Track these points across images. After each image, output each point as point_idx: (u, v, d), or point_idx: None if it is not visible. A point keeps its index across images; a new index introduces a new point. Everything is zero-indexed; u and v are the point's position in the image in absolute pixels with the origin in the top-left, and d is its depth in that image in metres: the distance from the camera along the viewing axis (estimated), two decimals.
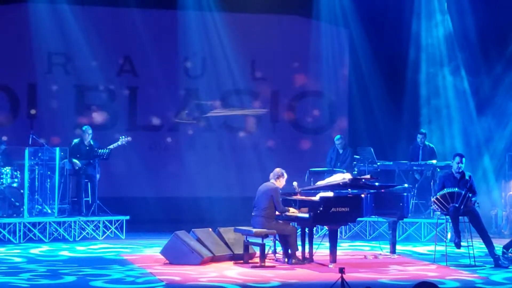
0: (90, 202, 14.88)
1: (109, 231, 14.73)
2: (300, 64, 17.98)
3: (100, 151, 14.82)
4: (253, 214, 11.71)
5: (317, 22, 17.93)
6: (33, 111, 15.81)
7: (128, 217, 14.87)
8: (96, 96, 17.12)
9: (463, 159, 12.18)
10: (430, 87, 17.59)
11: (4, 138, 14.97)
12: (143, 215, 15.93)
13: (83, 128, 15.11)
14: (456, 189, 11.83)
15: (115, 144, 14.99)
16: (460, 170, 12.11)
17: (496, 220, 15.95)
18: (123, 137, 15.17)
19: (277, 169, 11.85)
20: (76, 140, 15.00)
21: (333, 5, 17.82)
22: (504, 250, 12.13)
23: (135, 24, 17.00)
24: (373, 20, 17.50)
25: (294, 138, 18.00)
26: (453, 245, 12.04)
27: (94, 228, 14.66)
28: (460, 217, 11.94)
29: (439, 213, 12.26)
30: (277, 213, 11.65)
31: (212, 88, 17.59)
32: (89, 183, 14.92)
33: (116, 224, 14.81)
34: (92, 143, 14.95)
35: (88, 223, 14.63)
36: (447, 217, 12.27)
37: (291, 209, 11.68)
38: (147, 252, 12.92)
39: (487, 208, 15.52)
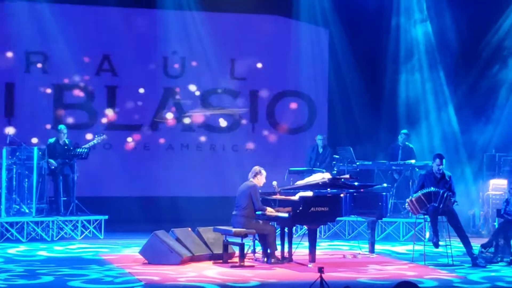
0: (68, 201, 14.78)
1: (88, 230, 14.67)
2: (280, 63, 17.97)
3: (78, 150, 14.76)
4: (233, 213, 11.70)
5: (297, 22, 17.95)
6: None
7: (106, 217, 14.81)
8: (75, 95, 17.03)
9: (443, 160, 12.22)
10: (409, 87, 17.65)
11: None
12: (122, 214, 15.85)
13: (59, 128, 15.04)
14: (432, 188, 11.89)
15: (91, 143, 14.95)
16: (441, 172, 12.16)
17: (474, 220, 16.04)
18: (99, 135, 15.13)
19: (255, 167, 11.86)
20: (51, 140, 14.92)
21: (313, 5, 17.84)
22: (482, 250, 12.21)
23: (114, 22, 16.94)
24: (353, 20, 17.56)
25: (273, 138, 18.00)
26: (431, 244, 12.09)
27: (72, 228, 14.59)
28: (438, 217, 12.00)
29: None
30: (257, 212, 11.64)
31: (191, 87, 17.54)
32: (65, 183, 14.82)
33: (95, 224, 14.74)
34: (67, 142, 14.87)
35: (66, 222, 14.55)
36: (426, 216, 12.33)
37: (269, 209, 11.68)
38: (126, 252, 12.87)
39: (465, 208, 15.60)
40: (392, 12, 17.69)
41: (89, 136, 16.25)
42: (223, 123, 17.75)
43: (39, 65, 16.77)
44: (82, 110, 17.01)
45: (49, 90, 16.86)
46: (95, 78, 17.07)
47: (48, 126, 16.65)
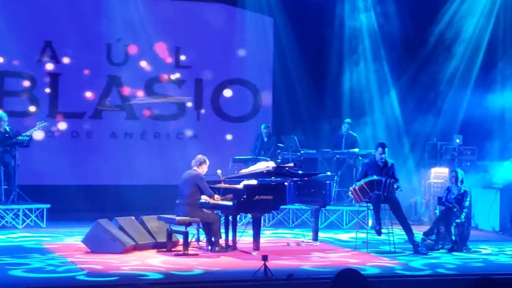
0: (9, 190, 14.57)
1: (29, 219, 14.49)
2: (225, 52, 17.93)
3: (20, 138, 14.55)
4: (177, 202, 11.67)
5: (242, 10, 17.92)
6: None
7: (49, 206, 14.65)
8: (16, 82, 16.75)
9: (386, 149, 12.34)
10: (353, 76, 17.78)
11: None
12: (65, 203, 15.66)
13: None
14: (375, 176, 12.01)
15: (32, 130, 14.74)
16: (383, 160, 12.28)
17: (416, 208, 16.26)
18: (40, 122, 14.94)
19: (199, 156, 11.83)
20: None
21: None
22: (424, 237, 12.39)
23: (57, 9, 16.70)
24: (298, 9, 17.59)
25: (218, 126, 17.97)
26: (374, 232, 12.23)
27: (13, 217, 14.41)
28: (381, 205, 12.14)
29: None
30: (202, 200, 11.63)
31: (135, 75, 17.40)
32: (6, 171, 14.60)
33: (37, 213, 14.58)
34: (8, 129, 14.64)
35: (7, 211, 14.35)
36: (369, 204, 12.46)
37: (217, 196, 11.68)
38: (68, 241, 12.75)
39: (407, 196, 15.80)
40: (337, 1, 17.78)
41: (30, 123, 16.01)
42: (167, 111, 17.65)
43: None
44: (24, 98, 16.75)
45: None
46: (37, 65, 16.82)
47: None
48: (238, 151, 16.19)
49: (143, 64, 17.42)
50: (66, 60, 16.95)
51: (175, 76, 17.71)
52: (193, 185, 11.53)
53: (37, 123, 14.93)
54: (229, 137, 17.90)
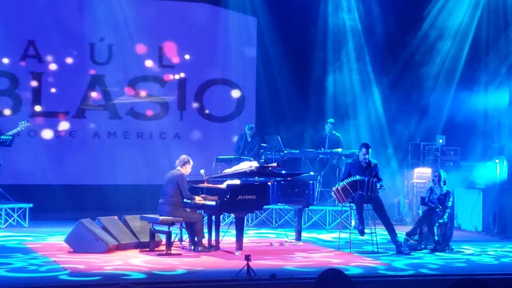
0: None
1: (12, 219, 14.41)
2: (208, 52, 17.91)
3: (2, 137, 14.47)
4: (160, 201, 11.65)
5: (225, 10, 17.92)
6: None
7: (31, 205, 14.58)
8: None
9: (370, 150, 12.35)
10: (337, 77, 17.80)
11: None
12: (47, 203, 15.62)
13: None
14: (358, 176, 12.04)
15: (14, 130, 14.64)
16: (367, 161, 12.30)
17: (399, 208, 16.31)
18: (23, 122, 14.86)
19: (183, 156, 11.82)
20: None
21: None
22: (407, 237, 12.42)
23: (40, 7, 16.63)
24: (282, 8, 17.62)
25: (201, 126, 17.94)
26: (357, 232, 12.25)
27: None
28: (364, 205, 12.16)
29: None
30: (184, 200, 11.62)
31: (119, 74, 17.35)
32: None
33: (19, 212, 14.50)
34: None
35: None
36: (352, 205, 12.47)
37: (197, 197, 11.67)
38: (51, 241, 12.70)
39: (390, 196, 15.85)
40: (320, 1, 17.80)
41: (12, 122, 15.93)
42: (150, 110, 17.60)
43: None
44: (6, 97, 16.65)
45: None
46: (19, 64, 16.72)
47: None
48: (221, 151, 16.18)
49: (126, 63, 17.35)
50: (49, 58, 16.87)
51: (158, 75, 17.66)
52: (175, 185, 11.51)
53: (20, 123, 14.84)
54: (212, 135, 17.88)
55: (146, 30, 17.25)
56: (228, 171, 12.62)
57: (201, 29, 17.80)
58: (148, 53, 17.48)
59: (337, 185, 12.30)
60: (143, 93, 17.52)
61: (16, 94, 16.72)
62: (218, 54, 18.00)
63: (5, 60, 16.52)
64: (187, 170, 11.73)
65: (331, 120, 16.52)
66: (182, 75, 17.83)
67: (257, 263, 10.06)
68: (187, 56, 17.74)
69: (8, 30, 16.41)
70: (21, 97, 16.74)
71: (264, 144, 15.97)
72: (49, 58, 16.88)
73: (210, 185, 12.02)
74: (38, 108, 16.82)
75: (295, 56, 17.80)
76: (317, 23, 17.82)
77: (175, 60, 17.72)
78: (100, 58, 17.28)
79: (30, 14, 16.65)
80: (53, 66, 16.89)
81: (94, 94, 17.16)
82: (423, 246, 12.35)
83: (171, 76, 17.76)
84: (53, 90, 16.89)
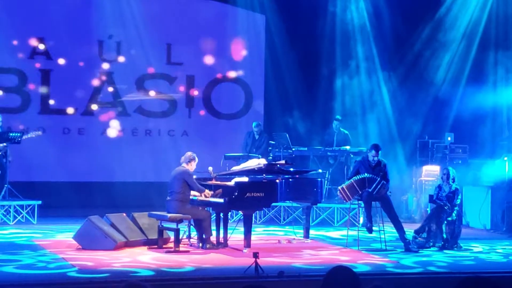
0: (0, 186, 14.52)
1: (20, 216, 14.46)
2: (216, 49, 17.91)
3: (11, 134, 14.51)
4: (168, 198, 11.67)
5: (233, 7, 17.91)
6: None
7: (40, 202, 14.61)
8: (8, 78, 16.69)
9: (379, 152, 12.31)
10: (345, 74, 17.78)
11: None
12: (56, 200, 15.67)
13: None
14: (366, 174, 12.02)
15: (24, 136, 14.68)
16: (376, 161, 12.27)
17: (407, 205, 16.28)
18: (34, 131, 14.92)
19: (189, 153, 11.82)
20: None
21: None
22: (415, 235, 12.40)
23: (49, 5, 16.66)
24: (290, 5, 17.59)
25: (209, 123, 17.95)
26: (365, 229, 12.24)
27: (4, 213, 14.37)
28: (372, 203, 12.14)
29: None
30: (192, 196, 11.64)
31: (127, 72, 17.36)
32: None
33: (28, 209, 14.54)
34: None
35: None
36: (360, 202, 12.46)
37: (208, 191, 11.68)
38: (59, 237, 12.72)
39: (398, 194, 15.82)
40: None
41: (21, 119, 16.01)
42: (158, 108, 17.62)
43: None
44: (15, 94, 16.69)
45: None
46: (28, 62, 16.76)
47: None
48: (229, 148, 16.18)
49: (135, 60, 17.36)
50: (57, 56, 16.89)
51: (167, 73, 17.67)
52: (182, 182, 11.52)
53: (30, 132, 14.91)
54: (220, 133, 17.88)
55: (155, 28, 17.26)
56: (236, 168, 12.62)
57: (210, 26, 17.80)
58: (157, 50, 17.48)
59: (342, 184, 12.27)
60: (151, 90, 17.53)
61: (25, 91, 16.75)
62: (226, 51, 18.00)
63: (14, 57, 16.53)
64: (192, 167, 11.73)
65: (338, 116, 16.51)
66: (190, 72, 17.83)
67: (265, 261, 10.07)
68: (195, 53, 17.73)
69: (17, 27, 16.44)
70: (30, 94, 16.78)
71: (272, 142, 15.97)
72: (57, 55, 16.90)
73: (218, 182, 12.02)
74: (46, 105, 16.84)
75: (303, 53, 17.78)
76: (326, 20, 17.79)
77: (184, 57, 17.72)
78: (108, 55, 17.30)
79: (39, 12, 16.68)
80: (61, 63, 16.91)
81: (102, 92, 17.17)
82: (431, 243, 12.34)
83: (179, 73, 17.76)
84: (61, 87, 16.90)
